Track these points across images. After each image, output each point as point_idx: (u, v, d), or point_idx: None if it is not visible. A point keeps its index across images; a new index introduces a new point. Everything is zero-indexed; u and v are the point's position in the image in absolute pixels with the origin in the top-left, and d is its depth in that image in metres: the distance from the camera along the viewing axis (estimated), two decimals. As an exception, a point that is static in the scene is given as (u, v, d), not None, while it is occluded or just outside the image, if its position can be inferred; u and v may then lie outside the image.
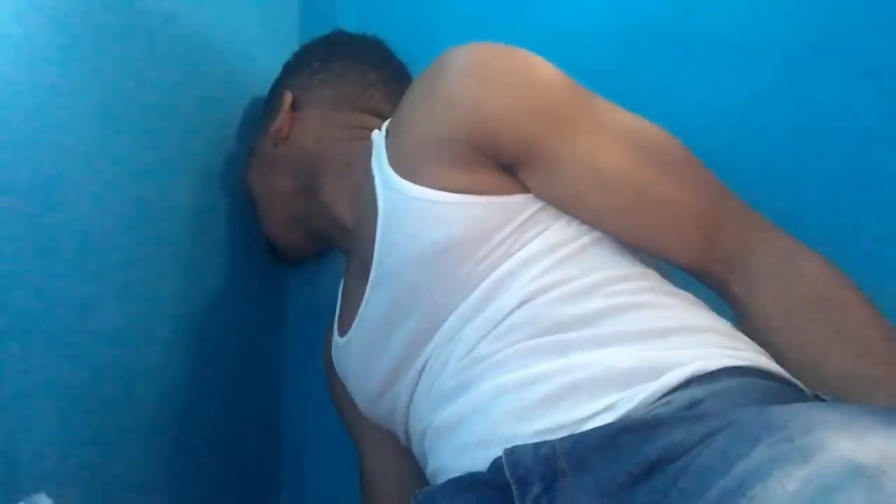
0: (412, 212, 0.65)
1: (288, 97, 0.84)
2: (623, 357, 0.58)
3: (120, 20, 0.75)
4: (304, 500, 0.98)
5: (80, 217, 0.69)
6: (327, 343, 0.87)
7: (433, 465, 0.66)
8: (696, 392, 0.54)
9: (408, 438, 0.73)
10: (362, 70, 0.85)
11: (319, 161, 0.82)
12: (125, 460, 0.73)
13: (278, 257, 0.93)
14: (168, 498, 0.79)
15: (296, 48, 0.93)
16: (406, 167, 0.66)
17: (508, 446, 0.55)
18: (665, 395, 0.55)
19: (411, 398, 0.69)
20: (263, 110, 0.91)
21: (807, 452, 0.42)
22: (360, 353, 0.73)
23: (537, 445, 0.54)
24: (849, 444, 0.42)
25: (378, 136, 0.73)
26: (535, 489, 0.52)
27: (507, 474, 0.54)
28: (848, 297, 0.61)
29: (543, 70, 0.67)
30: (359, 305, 0.72)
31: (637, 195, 0.64)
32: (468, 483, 0.58)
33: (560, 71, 0.67)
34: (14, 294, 0.62)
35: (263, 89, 0.92)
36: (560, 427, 0.56)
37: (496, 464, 0.55)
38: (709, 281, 0.66)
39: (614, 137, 0.65)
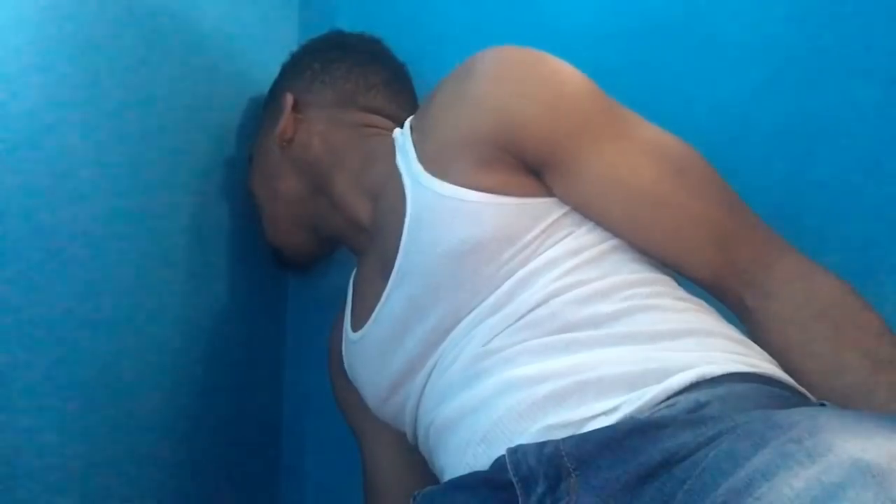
0: (443, 209, 0.65)
1: (289, 99, 0.84)
2: (631, 358, 0.58)
3: (119, 21, 0.75)
4: (304, 500, 0.98)
5: (81, 216, 0.69)
6: (332, 341, 0.87)
7: (438, 463, 0.66)
8: (700, 396, 0.54)
9: (415, 437, 0.73)
10: (364, 71, 0.85)
11: (329, 161, 0.82)
12: (125, 460, 0.73)
13: (284, 264, 0.93)
14: (168, 497, 0.79)
15: (295, 48, 0.93)
16: (436, 165, 0.67)
17: (512, 444, 0.55)
18: (670, 397, 0.55)
19: (421, 396, 0.69)
20: (263, 114, 0.90)
21: (815, 453, 0.43)
22: (373, 350, 0.73)
23: (541, 444, 0.54)
24: (857, 444, 0.42)
25: (401, 134, 0.74)
26: (540, 488, 0.52)
27: (511, 473, 0.54)
28: (861, 314, 0.62)
29: (573, 77, 0.67)
30: (376, 302, 0.72)
31: (658, 207, 0.65)
32: (469, 483, 0.58)
33: (589, 79, 0.68)
34: (14, 294, 0.62)
35: (263, 89, 0.92)
36: (564, 425, 0.56)
37: (499, 462, 0.55)
38: (723, 294, 0.66)
39: (639, 148, 0.66)
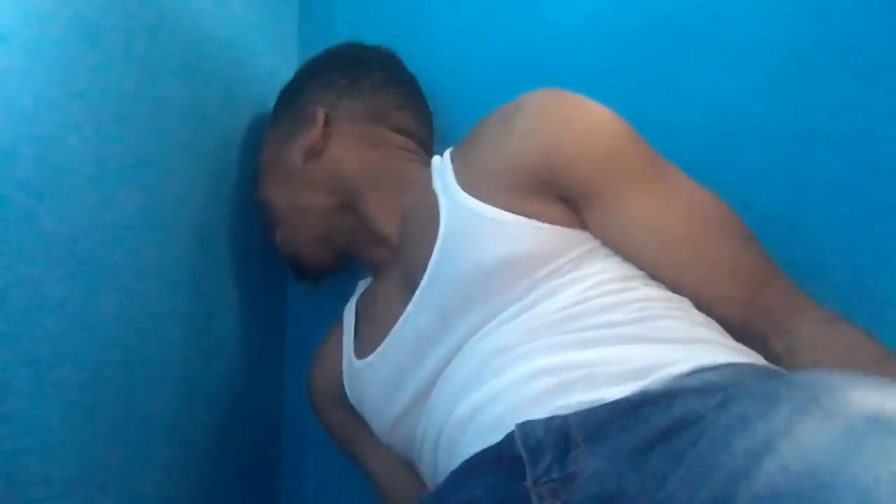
0: (479, 228, 0.68)
1: (321, 115, 0.84)
2: (639, 354, 0.60)
3: (120, 22, 0.75)
4: (304, 500, 0.98)
5: (81, 217, 0.69)
6: (317, 376, 0.86)
7: (450, 468, 0.65)
8: (708, 375, 0.56)
9: (421, 459, 0.73)
10: (391, 90, 0.87)
11: (362, 178, 0.82)
12: (125, 461, 0.73)
13: (300, 274, 0.91)
14: (168, 498, 0.79)
15: (295, 48, 0.93)
16: (476, 188, 0.70)
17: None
18: (676, 378, 0.57)
19: (433, 407, 0.69)
20: (279, 122, 0.89)
21: (833, 408, 0.44)
22: (387, 372, 0.74)
23: (550, 419, 0.56)
24: (874, 397, 0.43)
25: (440, 161, 0.76)
26: (547, 458, 0.53)
27: (519, 445, 0.55)
28: (886, 361, 0.62)
29: (616, 122, 0.70)
30: (393, 321, 0.73)
31: (689, 252, 0.67)
32: (475, 465, 0.58)
33: (631, 127, 0.70)
34: (14, 294, 0.62)
35: (263, 89, 0.92)
36: (573, 408, 0.57)
37: (508, 437, 0.56)
38: (748, 336, 0.67)
39: (674, 195, 0.68)
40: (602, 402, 0.56)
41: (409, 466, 0.78)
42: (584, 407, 0.56)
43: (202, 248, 0.87)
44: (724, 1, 0.85)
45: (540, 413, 0.57)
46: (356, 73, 0.87)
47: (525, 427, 0.56)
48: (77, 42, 0.69)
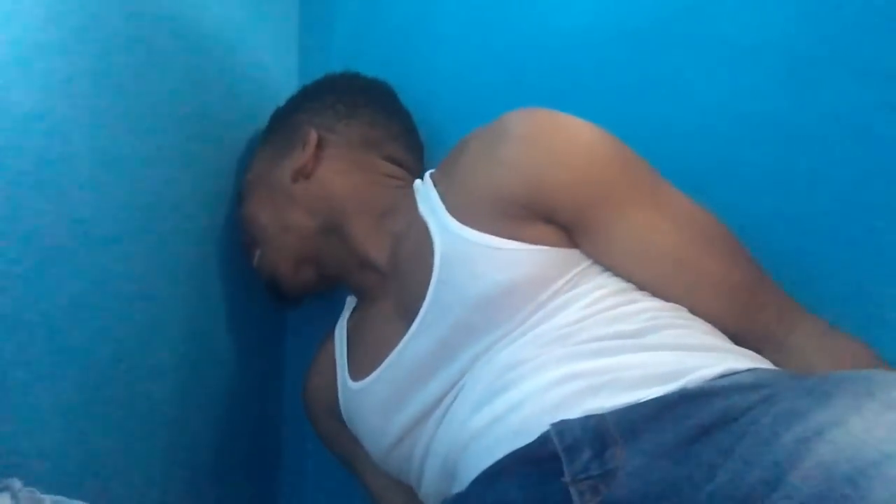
0: (475, 255, 0.67)
1: (314, 136, 0.84)
2: (658, 360, 0.60)
3: (120, 21, 0.75)
4: (304, 500, 0.98)
5: (82, 217, 0.69)
6: (312, 392, 0.86)
7: (464, 480, 0.64)
8: (740, 377, 0.56)
9: (420, 481, 0.73)
10: (388, 120, 0.87)
11: (350, 202, 0.82)
12: (125, 461, 0.73)
13: (279, 297, 0.89)
14: (168, 498, 0.79)
15: (296, 49, 0.93)
16: (467, 216, 0.69)
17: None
18: (710, 380, 0.57)
19: (437, 430, 0.69)
20: (270, 140, 0.89)
21: (889, 401, 0.44)
22: (385, 397, 0.73)
23: (586, 418, 0.55)
24: None
25: (423, 185, 0.76)
26: (585, 455, 0.53)
27: (556, 444, 0.54)
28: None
29: (601, 144, 0.69)
30: (391, 347, 0.72)
31: (681, 269, 0.67)
32: (506, 465, 0.58)
33: (619, 142, 0.69)
34: (13, 295, 0.62)
35: (262, 91, 0.92)
36: (606, 409, 0.57)
37: (543, 436, 0.56)
38: (744, 346, 0.67)
39: (664, 214, 0.68)
40: (637, 402, 0.56)
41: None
42: (619, 407, 0.56)
43: (202, 250, 0.87)
44: (724, 2, 0.85)
45: (571, 414, 0.57)
46: (354, 101, 0.87)
47: (561, 426, 0.56)
48: (77, 43, 0.69)
